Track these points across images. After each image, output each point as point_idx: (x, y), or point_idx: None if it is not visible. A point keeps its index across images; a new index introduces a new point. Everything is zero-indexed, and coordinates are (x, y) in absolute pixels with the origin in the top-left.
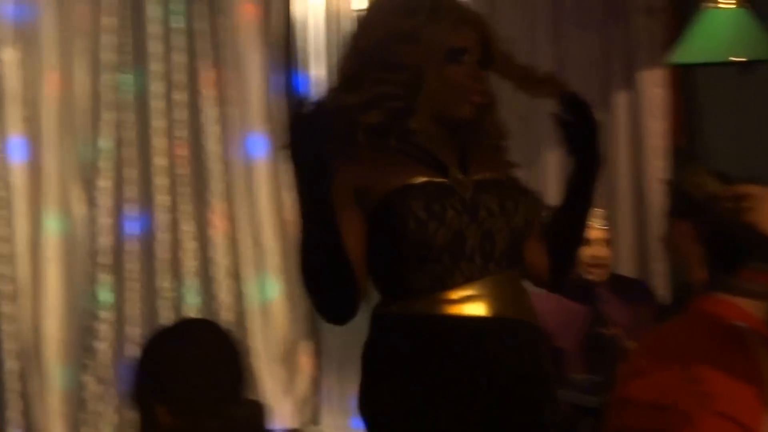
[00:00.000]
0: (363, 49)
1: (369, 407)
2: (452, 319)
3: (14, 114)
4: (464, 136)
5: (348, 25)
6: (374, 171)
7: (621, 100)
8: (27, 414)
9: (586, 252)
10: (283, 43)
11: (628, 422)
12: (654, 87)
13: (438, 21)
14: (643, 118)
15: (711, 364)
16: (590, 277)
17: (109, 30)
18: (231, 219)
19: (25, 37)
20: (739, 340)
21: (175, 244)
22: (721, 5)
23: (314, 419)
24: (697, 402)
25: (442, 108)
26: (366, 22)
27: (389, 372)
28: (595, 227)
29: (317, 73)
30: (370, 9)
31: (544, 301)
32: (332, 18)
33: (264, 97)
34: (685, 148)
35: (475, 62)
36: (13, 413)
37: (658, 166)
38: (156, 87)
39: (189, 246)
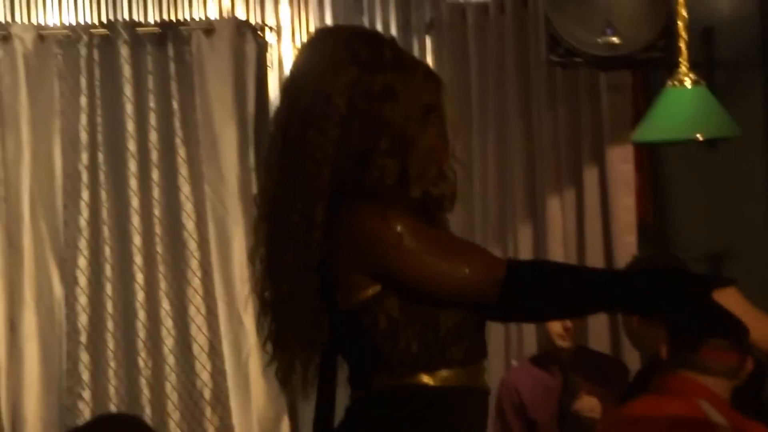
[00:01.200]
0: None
1: None
2: (480, 392)
3: None
4: None
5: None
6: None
7: (590, 176)
8: None
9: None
10: (256, 121)
11: None
12: (622, 163)
13: (409, 72)
14: (613, 194)
15: None
16: (560, 344)
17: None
18: (211, 295)
19: None
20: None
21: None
22: (683, 84)
23: None
24: None
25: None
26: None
27: None
28: None
29: None
30: (308, 62)
31: (519, 373)
32: None
33: (239, 174)
34: (651, 223)
35: (442, 122)
36: None
37: (628, 242)
38: (132, 165)
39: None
